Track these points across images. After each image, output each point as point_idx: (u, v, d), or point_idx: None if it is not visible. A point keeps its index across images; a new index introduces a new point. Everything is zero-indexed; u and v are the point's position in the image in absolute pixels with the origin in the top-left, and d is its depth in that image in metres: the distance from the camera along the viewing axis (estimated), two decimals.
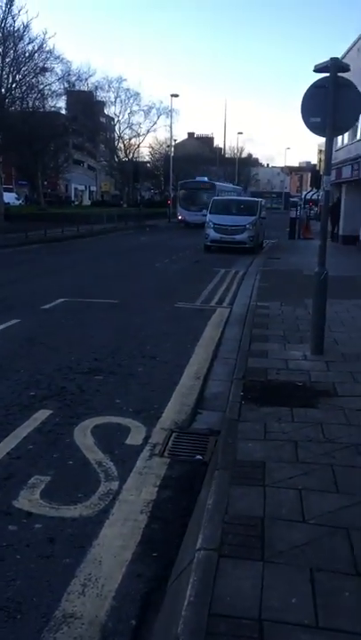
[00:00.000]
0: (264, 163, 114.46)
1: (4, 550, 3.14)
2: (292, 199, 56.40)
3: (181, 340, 8.04)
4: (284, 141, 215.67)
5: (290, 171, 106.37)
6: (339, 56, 6.20)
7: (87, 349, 7.36)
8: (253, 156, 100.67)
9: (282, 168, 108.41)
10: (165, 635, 2.42)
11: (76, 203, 68.26)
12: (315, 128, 6.45)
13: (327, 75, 6.31)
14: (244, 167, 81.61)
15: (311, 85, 6.39)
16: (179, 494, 3.84)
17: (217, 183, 42.46)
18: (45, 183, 56.84)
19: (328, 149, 6.64)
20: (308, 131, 6.55)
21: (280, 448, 4.16)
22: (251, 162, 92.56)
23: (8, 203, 38.81)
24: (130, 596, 2.81)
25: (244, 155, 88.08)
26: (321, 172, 39.84)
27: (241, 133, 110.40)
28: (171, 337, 8.25)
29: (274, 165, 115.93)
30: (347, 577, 2.67)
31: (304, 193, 47.66)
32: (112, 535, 3.31)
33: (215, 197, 27.98)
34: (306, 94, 6.42)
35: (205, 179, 44.20)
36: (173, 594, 2.72)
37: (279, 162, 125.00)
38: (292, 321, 8.82)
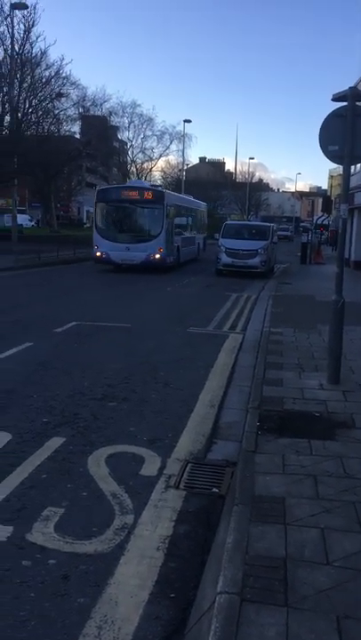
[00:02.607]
0: (275, 188, 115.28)
1: (18, 587, 3.04)
2: (302, 224, 56.50)
3: (195, 367, 7.96)
4: (294, 167, 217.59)
5: (300, 196, 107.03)
6: (351, 84, 6.18)
7: (100, 375, 7.29)
8: (264, 181, 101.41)
9: (292, 193, 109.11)
10: None
11: (88, 225, 68.90)
12: (333, 156, 6.45)
13: (345, 104, 6.32)
14: (254, 192, 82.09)
15: (330, 114, 6.40)
16: (196, 529, 3.73)
17: (168, 192, 24.28)
18: (58, 206, 57.48)
19: (346, 178, 6.62)
20: (320, 157, 6.61)
21: (300, 483, 4.05)
22: (262, 186, 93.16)
23: (21, 225, 39.21)
24: None
25: (255, 179, 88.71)
26: (332, 198, 39.64)
27: (252, 159, 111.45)
28: (184, 363, 8.17)
29: (285, 190, 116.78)
30: None
31: (315, 217, 47.77)
32: (128, 573, 3.20)
33: (227, 222, 28.07)
34: (324, 123, 6.43)
35: (147, 183, 27.38)
36: None
37: (290, 187, 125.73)
38: (306, 348, 8.73)
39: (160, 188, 24.01)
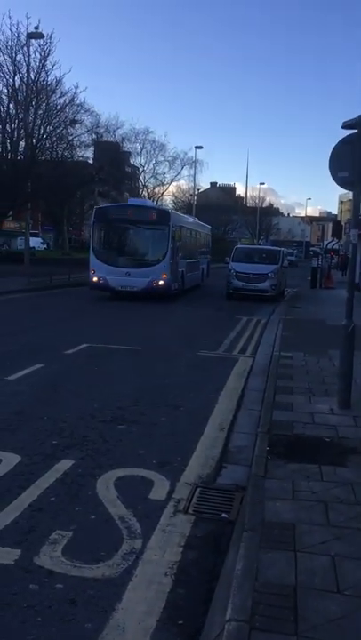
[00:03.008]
0: (285, 212, 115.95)
1: (25, 612, 3.02)
2: (312, 248, 56.66)
3: (204, 390, 7.94)
4: (305, 192, 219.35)
5: (310, 220, 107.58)
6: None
7: (110, 397, 7.29)
8: (274, 206, 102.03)
9: (303, 218, 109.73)
10: None
11: None
12: (343, 183, 6.51)
13: (355, 131, 6.40)
14: (265, 216, 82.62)
15: (339, 141, 6.49)
16: (204, 555, 3.69)
17: (173, 212, 23.49)
18: (70, 229, 58.10)
19: (356, 203, 6.66)
20: (330, 182, 6.64)
21: (310, 509, 4.00)
22: (272, 211, 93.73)
23: (34, 247, 39.64)
24: None
25: (266, 204, 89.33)
26: (342, 223, 39.60)
27: (263, 184, 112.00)
28: (194, 386, 8.16)
29: (295, 215, 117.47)
30: None
31: (326, 242, 47.87)
32: (136, 599, 3.17)
33: (238, 246, 28.15)
34: (334, 150, 6.51)
35: (149, 202, 25.23)
36: None
37: (300, 212, 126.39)
38: (316, 372, 8.69)
39: (165, 208, 21.80)
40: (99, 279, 19.16)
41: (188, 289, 23.36)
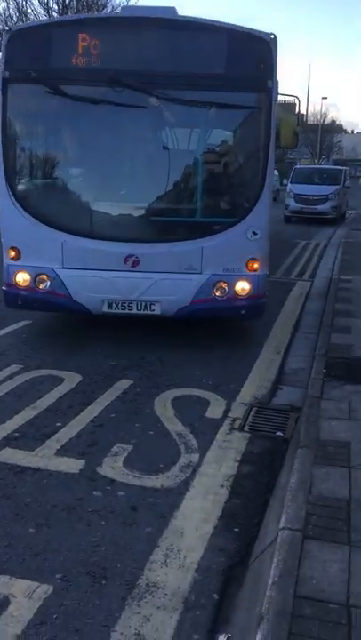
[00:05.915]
0: (349, 129, 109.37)
1: (90, 515, 3.23)
2: None
3: None
4: None
5: None
6: None
7: (166, 321, 7.35)
8: (337, 122, 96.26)
9: None
10: (248, 613, 2.41)
11: None
12: None
13: None
14: (327, 134, 78.31)
15: None
16: (259, 470, 3.80)
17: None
18: None
19: None
20: None
21: None
22: (334, 128, 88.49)
23: None
24: (212, 570, 2.82)
25: (328, 121, 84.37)
26: None
27: (325, 98, 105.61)
28: None
29: (359, 131, 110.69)
30: None
31: None
32: (193, 507, 3.33)
33: (296, 166, 26.94)
34: None
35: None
36: (256, 572, 2.70)
37: None
38: None
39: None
40: (35, 280, 5.85)
41: None
